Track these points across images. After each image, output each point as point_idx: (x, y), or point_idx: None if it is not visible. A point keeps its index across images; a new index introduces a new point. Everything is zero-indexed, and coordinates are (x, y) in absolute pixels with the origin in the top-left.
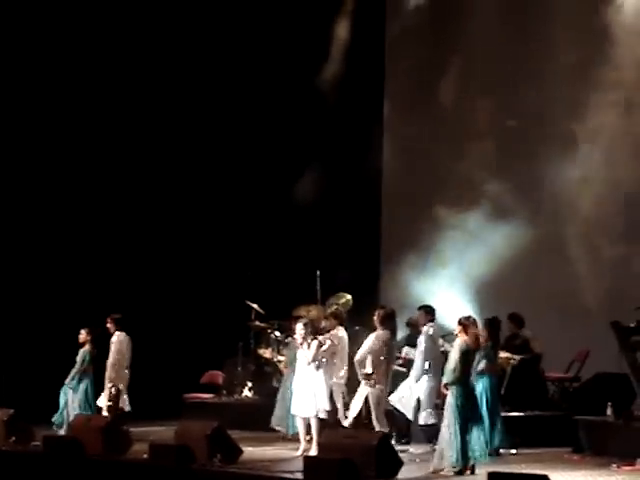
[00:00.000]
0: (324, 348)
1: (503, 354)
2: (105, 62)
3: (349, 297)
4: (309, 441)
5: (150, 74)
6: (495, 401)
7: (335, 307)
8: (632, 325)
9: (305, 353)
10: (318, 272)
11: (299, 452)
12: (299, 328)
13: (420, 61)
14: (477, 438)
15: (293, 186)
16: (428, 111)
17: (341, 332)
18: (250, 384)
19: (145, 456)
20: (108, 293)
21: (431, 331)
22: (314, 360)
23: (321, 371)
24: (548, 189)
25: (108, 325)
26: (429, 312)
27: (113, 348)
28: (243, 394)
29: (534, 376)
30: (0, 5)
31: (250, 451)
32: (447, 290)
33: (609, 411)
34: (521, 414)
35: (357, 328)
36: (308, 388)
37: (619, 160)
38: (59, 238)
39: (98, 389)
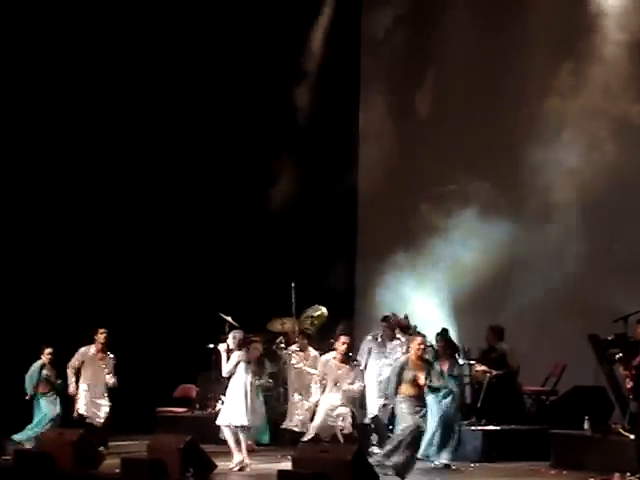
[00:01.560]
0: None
1: (479, 367)
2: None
3: (324, 310)
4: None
5: (121, 76)
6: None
7: (310, 319)
8: (610, 338)
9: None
10: (293, 284)
11: (234, 464)
12: (230, 338)
13: (396, 69)
14: None
15: (268, 197)
16: (404, 120)
17: (312, 352)
18: (224, 398)
19: (117, 471)
20: (79, 307)
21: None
22: (228, 372)
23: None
24: (526, 202)
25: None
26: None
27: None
28: (217, 408)
29: (511, 390)
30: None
31: (223, 466)
32: (422, 302)
33: (586, 425)
34: (498, 428)
35: (332, 341)
36: (241, 399)
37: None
38: (25, 255)
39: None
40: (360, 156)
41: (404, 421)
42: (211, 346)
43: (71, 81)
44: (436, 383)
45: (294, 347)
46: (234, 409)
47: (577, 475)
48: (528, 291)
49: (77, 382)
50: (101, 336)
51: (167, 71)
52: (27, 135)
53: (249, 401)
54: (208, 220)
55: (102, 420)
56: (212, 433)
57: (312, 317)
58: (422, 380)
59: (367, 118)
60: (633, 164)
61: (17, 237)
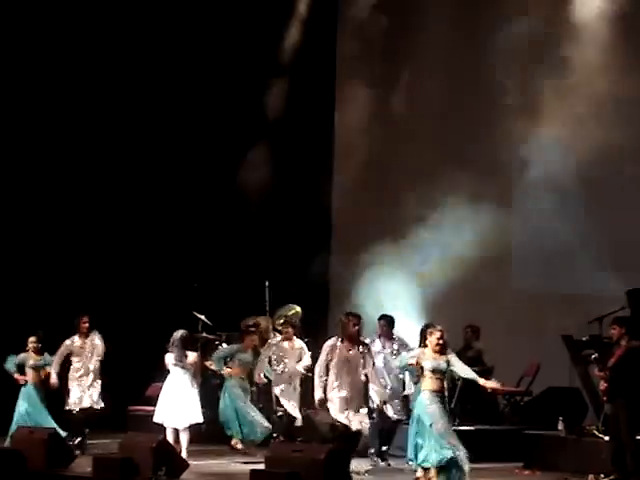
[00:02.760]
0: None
1: None
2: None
3: (298, 309)
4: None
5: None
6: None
7: (284, 319)
8: (584, 339)
9: (182, 364)
10: (267, 283)
11: None
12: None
13: (374, 60)
14: None
15: (242, 193)
16: (382, 112)
17: (298, 342)
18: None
19: (89, 469)
20: (48, 302)
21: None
22: (191, 372)
23: (193, 382)
24: (501, 202)
25: (86, 324)
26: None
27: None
28: None
29: (485, 390)
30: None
31: (196, 464)
32: (397, 300)
33: (560, 426)
34: (471, 428)
35: (307, 340)
36: (180, 399)
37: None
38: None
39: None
40: (335, 156)
41: (439, 417)
42: None
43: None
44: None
45: (276, 339)
46: (170, 409)
47: (551, 476)
48: (502, 289)
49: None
50: (83, 325)
51: (143, 64)
52: (14, 131)
53: (184, 401)
54: (183, 218)
55: (98, 407)
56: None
57: (286, 316)
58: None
59: (344, 110)
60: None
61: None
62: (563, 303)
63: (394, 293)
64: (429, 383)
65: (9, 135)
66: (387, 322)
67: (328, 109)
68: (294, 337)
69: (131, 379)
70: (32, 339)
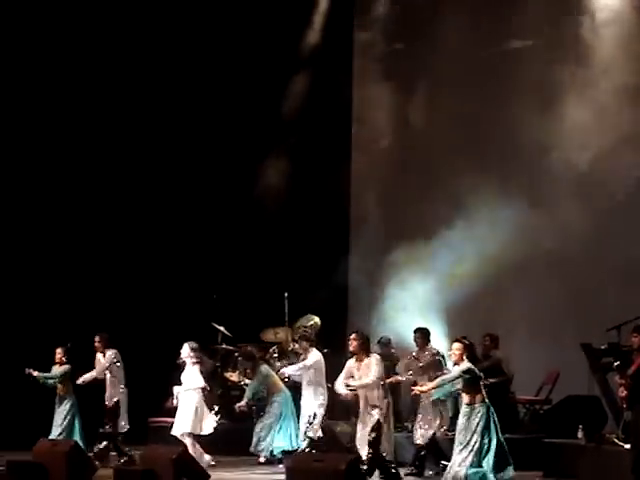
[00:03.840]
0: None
1: None
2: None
3: (317, 319)
4: None
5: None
6: None
7: (303, 330)
8: (603, 347)
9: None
10: (286, 294)
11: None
12: (185, 349)
13: (392, 59)
14: None
15: (260, 205)
16: (397, 129)
17: (315, 354)
18: (217, 408)
19: None
20: (68, 316)
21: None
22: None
23: (195, 392)
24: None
25: (97, 344)
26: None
27: (109, 365)
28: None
29: (504, 398)
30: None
31: (217, 476)
32: (416, 310)
33: (580, 434)
34: None
35: (325, 351)
36: (182, 408)
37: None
38: (17, 263)
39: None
40: (352, 164)
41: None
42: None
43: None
44: None
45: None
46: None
47: None
48: (522, 298)
49: None
50: (95, 345)
51: (158, 67)
52: (32, 135)
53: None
54: (203, 231)
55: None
56: (205, 443)
57: (305, 327)
58: None
59: (361, 115)
60: None
61: (18, 239)
62: (582, 311)
63: (413, 301)
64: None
65: (29, 145)
66: (422, 334)
67: (346, 109)
68: (310, 349)
69: (151, 391)
70: (58, 350)
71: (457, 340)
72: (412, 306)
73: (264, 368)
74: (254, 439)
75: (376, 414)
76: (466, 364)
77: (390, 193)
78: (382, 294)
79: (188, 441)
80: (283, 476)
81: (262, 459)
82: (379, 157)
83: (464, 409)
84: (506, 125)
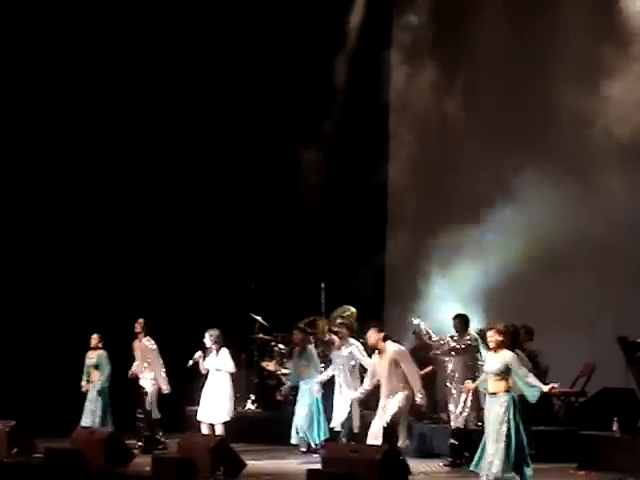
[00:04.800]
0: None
1: None
2: (105, 62)
3: (354, 310)
4: None
5: (148, 71)
6: None
7: (340, 320)
8: (639, 340)
9: (216, 360)
10: (323, 284)
11: None
12: (207, 337)
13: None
14: None
15: (298, 197)
16: (433, 125)
17: (357, 343)
18: (253, 397)
19: (147, 469)
20: (105, 303)
21: None
22: (232, 367)
23: (228, 378)
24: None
25: (139, 329)
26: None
27: (152, 351)
28: (246, 407)
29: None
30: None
31: (253, 464)
32: (452, 301)
33: (615, 426)
34: None
35: (362, 341)
36: (216, 395)
37: None
38: (57, 251)
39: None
40: (390, 158)
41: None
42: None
43: (88, 79)
44: None
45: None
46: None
47: (606, 476)
48: (557, 290)
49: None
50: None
51: (196, 58)
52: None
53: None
54: (240, 221)
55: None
56: (242, 432)
57: (342, 317)
58: None
59: (398, 119)
60: None
61: (41, 235)
62: (619, 303)
63: (452, 288)
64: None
65: (72, 143)
66: (461, 320)
67: (382, 118)
68: (349, 338)
69: (188, 379)
70: (94, 336)
71: (495, 327)
72: (452, 294)
73: (312, 347)
74: (293, 430)
75: (397, 404)
76: (510, 354)
77: (429, 180)
78: (420, 283)
79: (220, 428)
80: (318, 465)
81: (303, 449)
82: (419, 140)
83: (488, 399)
84: (549, 103)
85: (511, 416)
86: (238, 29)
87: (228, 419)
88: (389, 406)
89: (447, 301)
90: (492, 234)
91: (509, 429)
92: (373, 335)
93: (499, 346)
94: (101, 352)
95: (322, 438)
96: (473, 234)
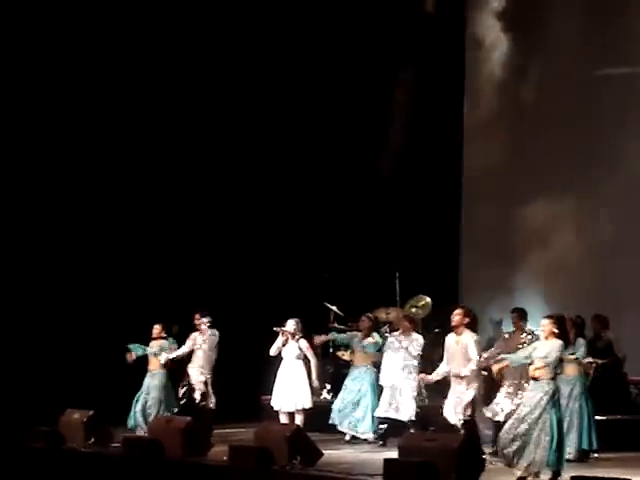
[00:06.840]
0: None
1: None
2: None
3: (428, 300)
4: None
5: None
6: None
7: (414, 310)
8: None
9: (295, 348)
10: (397, 274)
11: None
12: (290, 324)
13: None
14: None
15: (374, 187)
16: (510, 111)
17: (420, 338)
18: (329, 386)
19: (225, 458)
20: (177, 292)
21: None
22: (304, 357)
23: (303, 367)
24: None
25: (197, 321)
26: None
27: (208, 343)
28: (322, 396)
29: (617, 379)
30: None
31: (329, 453)
32: (526, 288)
33: None
34: (603, 418)
35: (437, 331)
36: (292, 383)
37: None
38: (121, 241)
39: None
40: (465, 147)
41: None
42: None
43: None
44: None
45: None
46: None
47: None
48: (633, 277)
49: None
50: (202, 320)
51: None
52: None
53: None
54: (313, 210)
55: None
56: (318, 421)
57: (416, 307)
58: None
59: (472, 112)
60: None
61: (109, 227)
62: None
63: (526, 279)
64: None
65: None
66: (518, 315)
67: (456, 111)
68: (412, 332)
69: (263, 369)
70: (156, 326)
71: (549, 316)
72: (526, 285)
73: (377, 336)
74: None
75: (471, 392)
76: (558, 342)
77: (503, 169)
78: (495, 274)
79: (300, 416)
80: (394, 454)
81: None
82: (492, 131)
83: (532, 384)
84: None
85: (549, 405)
86: (311, 25)
87: (310, 406)
88: (464, 397)
89: (522, 292)
90: (563, 221)
91: (542, 416)
92: (458, 317)
93: (551, 335)
94: (163, 342)
95: (374, 429)
96: (545, 222)
